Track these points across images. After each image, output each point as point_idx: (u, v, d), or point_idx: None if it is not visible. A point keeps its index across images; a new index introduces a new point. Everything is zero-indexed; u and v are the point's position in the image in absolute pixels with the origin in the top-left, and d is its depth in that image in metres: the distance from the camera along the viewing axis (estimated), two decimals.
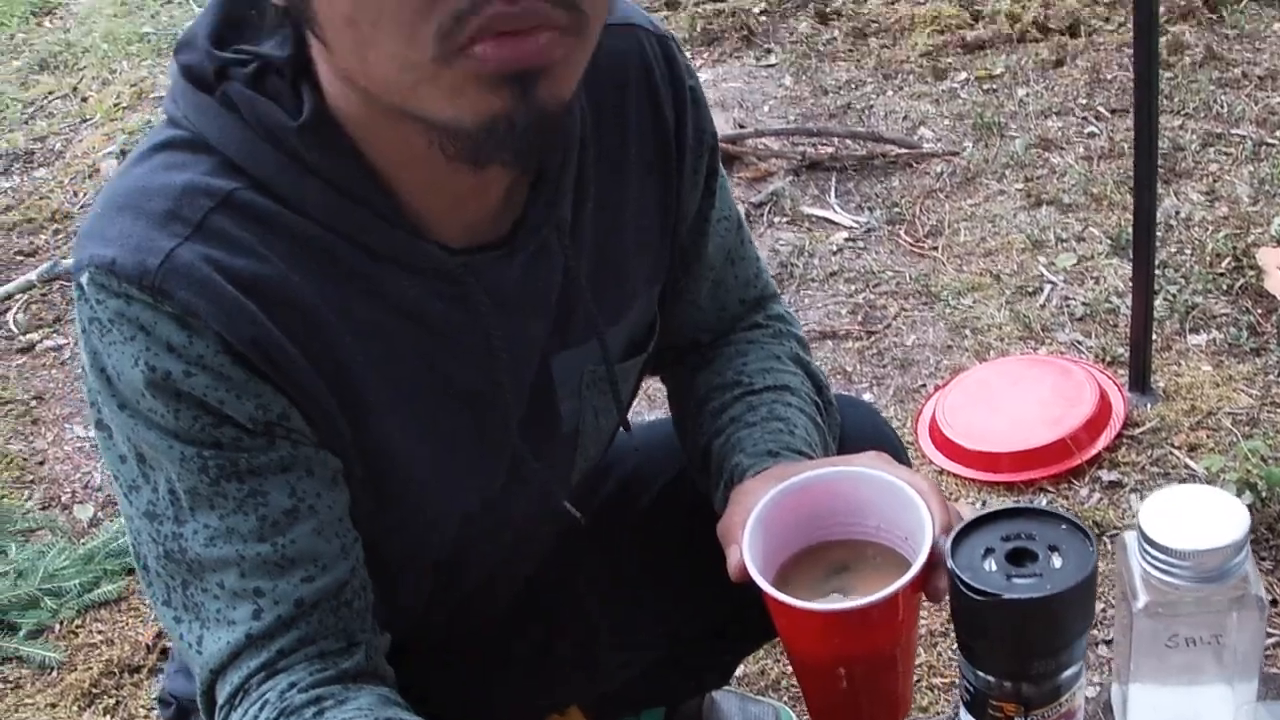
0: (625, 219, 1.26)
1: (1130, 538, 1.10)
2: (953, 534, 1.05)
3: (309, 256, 1.05)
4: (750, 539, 1.11)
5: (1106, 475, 2.60)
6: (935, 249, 3.46)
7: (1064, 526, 1.02)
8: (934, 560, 1.07)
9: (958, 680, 1.14)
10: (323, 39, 0.95)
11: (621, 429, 1.43)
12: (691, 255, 1.38)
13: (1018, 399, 2.77)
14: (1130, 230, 3.29)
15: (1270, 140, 3.71)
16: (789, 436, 1.31)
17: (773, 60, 4.59)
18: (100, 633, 2.64)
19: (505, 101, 0.92)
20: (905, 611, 1.09)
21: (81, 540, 2.90)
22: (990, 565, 1.01)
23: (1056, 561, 0.99)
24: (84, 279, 1.01)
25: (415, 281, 1.09)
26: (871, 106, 4.20)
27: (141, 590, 2.71)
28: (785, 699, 2.20)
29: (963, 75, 4.31)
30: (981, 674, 1.06)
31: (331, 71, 1.00)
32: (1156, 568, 1.06)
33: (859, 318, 3.22)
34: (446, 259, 1.09)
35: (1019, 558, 1.00)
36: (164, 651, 2.56)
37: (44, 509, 3.05)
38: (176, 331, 1.00)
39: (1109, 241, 3.34)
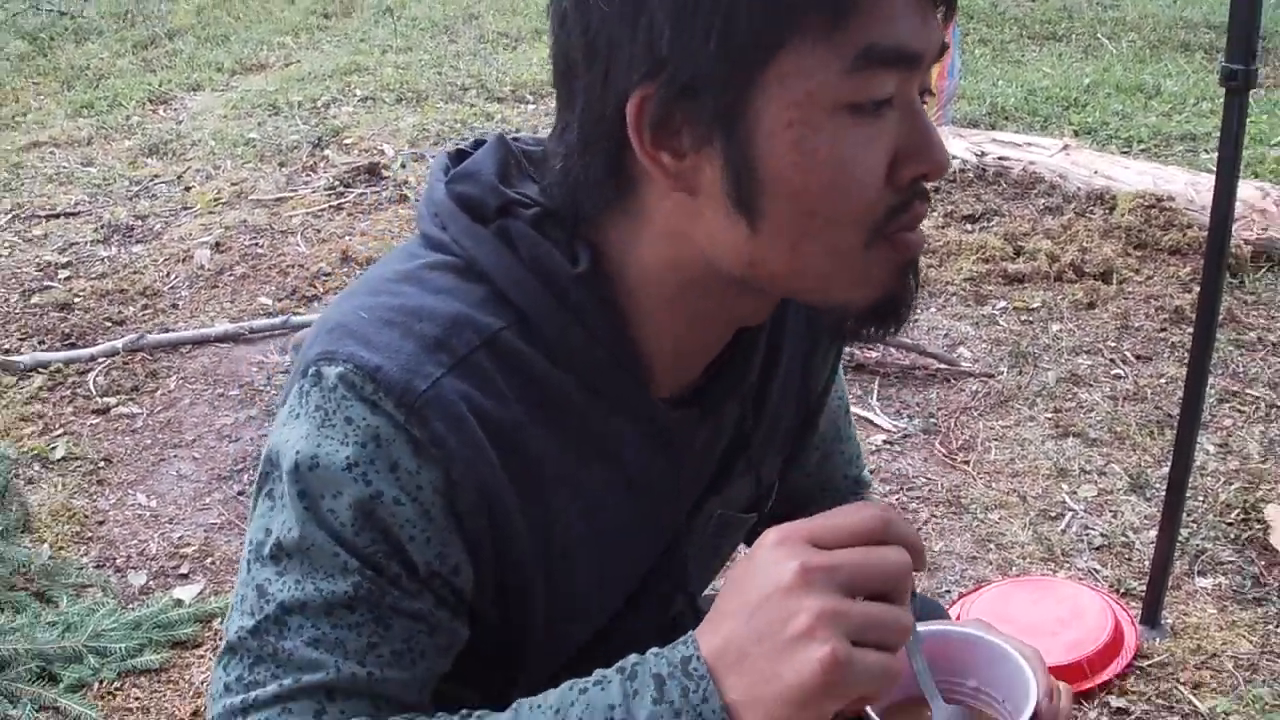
0: (788, 386, 1.27)
1: None
2: None
3: (547, 408, 1.02)
4: None
5: (1115, 701, 2.53)
6: (967, 463, 3.41)
7: None
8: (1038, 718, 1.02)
9: None
10: (753, 224, 0.95)
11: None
12: (810, 425, 1.38)
13: (1038, 617, 2.69)
14: (1150, 472, 3.27)
15: None
16: None
17: None
18: (138, 699, 2.54)
19: (901, 284, 0.99)
20: None
21: (130, 606, 2.82)
22: None
23: None
24: (332, 371, 0.96)
25: (630, 429, 1.08)
26: (916, 320, 4.18)
27: (184, 667, 2.61)
28: None
29: (1002, 304, 4.31)
30: None
31: (658, 236, 1.01)
32: None
33: None
34: (663, 412, 1.09)
35: None
36: None
37: (98, 568, 2.97)
38: (409, 456, 0.95)
39: (1128, 479, 3.29)
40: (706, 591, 1.47)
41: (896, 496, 3.23)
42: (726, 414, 1.18)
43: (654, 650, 0.91)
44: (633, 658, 0.92)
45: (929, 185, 0.97)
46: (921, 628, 1.08)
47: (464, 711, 0.97)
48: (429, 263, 1.03)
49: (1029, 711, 1.00)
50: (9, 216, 5.26)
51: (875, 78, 0.90)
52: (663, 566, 1.22)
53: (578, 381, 1.03)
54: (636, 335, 1.04)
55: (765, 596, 0.86)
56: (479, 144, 1.11)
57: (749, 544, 1.50)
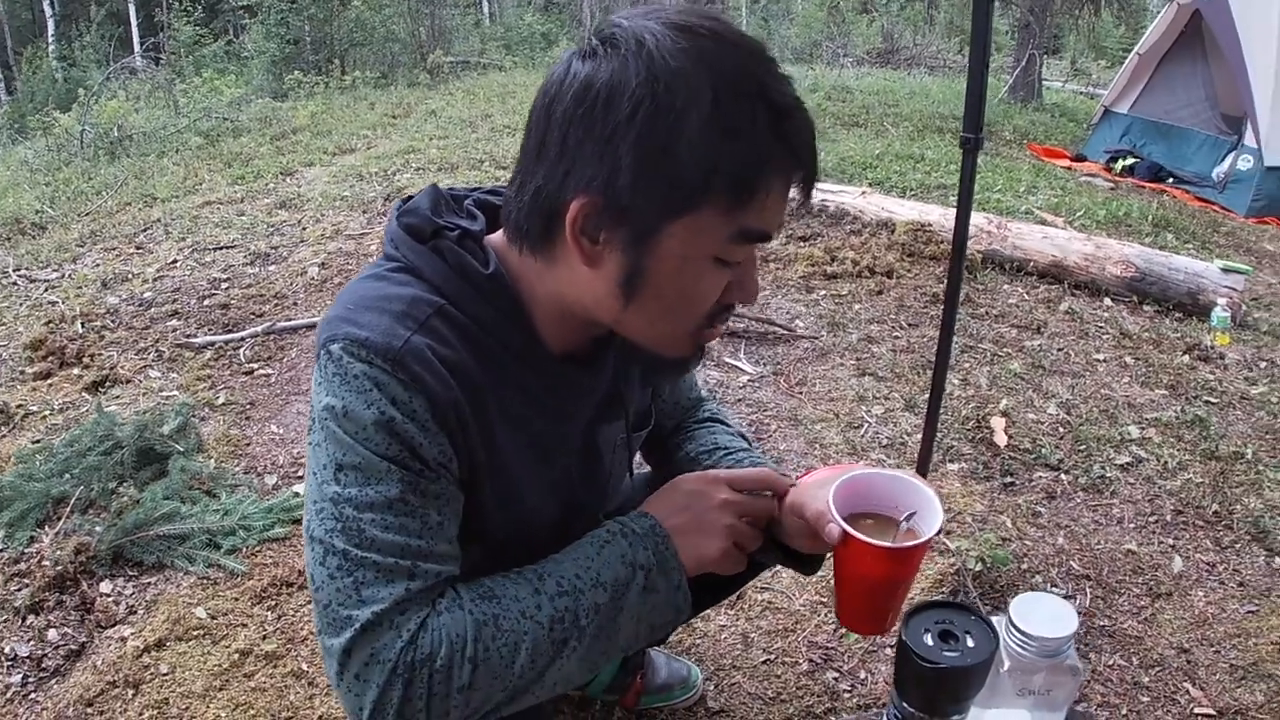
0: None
1: (999, 622, 0.96)
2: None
3: (480, 353, 0.97)
4: (833, 507, 1.00)
5: None
6: (801, 393, 3.34)
7: (974, 618, 0.88)
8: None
9: (886, 705, 0.98)
10: (627, 304, 0.93)
11: (628, 476, 1.35)
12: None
13: None
14: (918, 397, 3.24)
15: (999, 354, 3.65)
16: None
17: None
18: (271, 557, 2.44)
19: (693, 355, 1.02)
20: (921, 555, 0.99)
21: (266, 497, 2.71)
22: (929, 640, 0.86)
23: (970, 643, 0.85)
24: (336, 347, 0.91)
25: (535, 375, 1.03)
26: (768, 303, 4.11)
27: (300, 537, 2.52)
28: (692, 661, 2.03)
29: (823, 292, 4.24)
30: (908, 707, 0.91)
31: (558, 278, 0.97)
32: (1018, 645, 0.91)
33: (754, 430, 3.08)
34: (556, 366, 1.04)
35: (946, 637, 0.86)
36: None
37: (245, 474, 2.87)
38: (401, 391, 0.90)
39: (903, 402, 3.25)
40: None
41: (756, 416, 3.16)
42: (605, 368, 1.12)
43: (627, 519, 1.04)
44: (614, 525, 1.03)
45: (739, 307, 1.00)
46: (860, 471, 1.06)
47: (518, 569, 0.99)
48: (388, 269, 0.99)
49: (938, 525, 0.97)
50: (190, 249, 5.07)
51: (740, 247, 0.90)
52: (585, 474, 1.16)
53: (493, 340, 0.98)
54: (529, 314, 1.00)
55: (705, 509, 1.06)
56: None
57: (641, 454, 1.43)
